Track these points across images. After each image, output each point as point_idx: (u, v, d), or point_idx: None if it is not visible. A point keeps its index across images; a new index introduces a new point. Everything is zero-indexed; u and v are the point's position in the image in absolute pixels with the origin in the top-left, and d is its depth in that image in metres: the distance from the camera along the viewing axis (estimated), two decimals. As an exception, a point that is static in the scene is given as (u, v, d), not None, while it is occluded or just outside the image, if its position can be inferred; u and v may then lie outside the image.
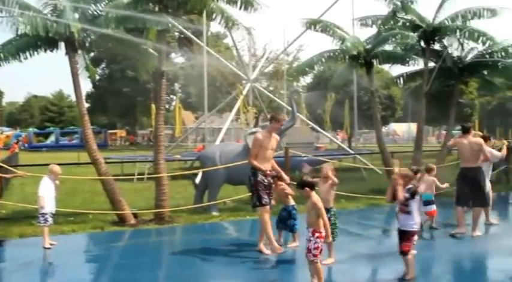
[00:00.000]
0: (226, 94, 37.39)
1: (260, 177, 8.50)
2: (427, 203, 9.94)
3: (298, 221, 8.80)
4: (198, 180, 13.86)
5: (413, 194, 6.97)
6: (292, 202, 9.06)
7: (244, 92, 25.40)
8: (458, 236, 9.73)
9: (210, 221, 11.68)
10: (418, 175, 8.39)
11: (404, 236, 7.00)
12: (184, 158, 22.78)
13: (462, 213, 9.94)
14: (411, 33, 15.11)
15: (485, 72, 17.78)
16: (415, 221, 7.01)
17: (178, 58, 63.78)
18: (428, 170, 10.39)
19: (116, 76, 63.98)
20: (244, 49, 37.47)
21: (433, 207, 10.14)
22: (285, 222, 8.96)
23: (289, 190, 8.99)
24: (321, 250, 6.63)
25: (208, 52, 23.12)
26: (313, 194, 6.84)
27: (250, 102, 26.53)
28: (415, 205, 7.04)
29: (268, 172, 8.63)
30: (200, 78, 26.38)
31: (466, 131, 10.30)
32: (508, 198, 16.30)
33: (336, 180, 7.87)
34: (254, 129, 12.71)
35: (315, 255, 6.55)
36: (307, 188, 6.78)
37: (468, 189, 9.92)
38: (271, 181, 8.69)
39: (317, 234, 6.57)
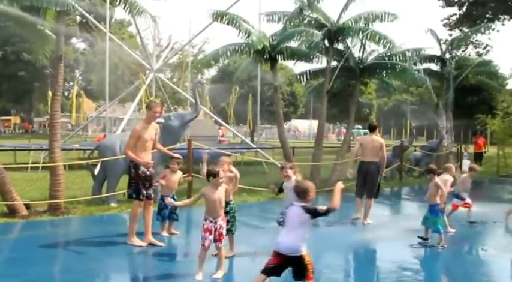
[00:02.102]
0: (128, 83, 36.51)
1: (142, 169, 8.31)
2: None
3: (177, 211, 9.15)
4: (96, 170, 13.40)
5: None
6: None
7: (147, 82, 24.91)
8: (353, 222, 10.74)
9: (108, 212, 11.33)
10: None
11: None
12: (83, 147, 22.00)
13: (360, 202, 11.05)
14: (316, 32, 15.41)
15: (384, 74, 18.52)
16: None
17: (79, 43, 61.70)
18: None
19: (10, 59, 60.61)
20: (148, 38, 36.83)
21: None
22: (161, 210, 9.09)
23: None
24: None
25: (110, 39, 22.42)
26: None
27: (153, 93, 26.04)
28: None
29: (150, 163, 8.48)
30: (102, 66, 25.60)
31: (372, 129, 11.27)
32: (400, 193, 17.08)
33: (232, 174, 7.82)
34: (156, 120, 12.44)
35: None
36: (210, 177, 6.80)
37: (363, 181, 10.97)
38: (153, 172, 8.57)
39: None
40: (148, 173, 8.41)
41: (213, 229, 6.81)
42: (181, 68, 39.23)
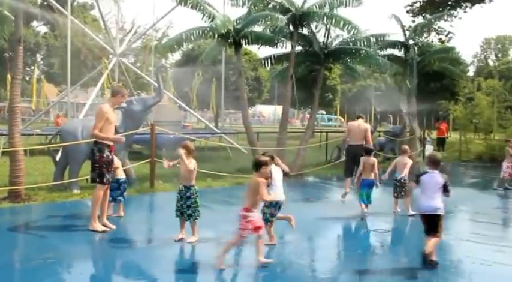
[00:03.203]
0: (91, 68, 35.93)
1: (106, 153, 8.22)
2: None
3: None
4: (58, 156, 13.15)
5: None
6: (122, 175, 9.36)
7: (110, 67, 24.53)
8: (343, 197, 11.47)
9: (70, 199, 11.12)
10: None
11: None
12: (45, 133, 21.56)
13: (349, 181, 11.96)
14: (281, 16, 15.33)
15: (348, 60, 18.58)
16: None
17: (41, 27, 60.30)
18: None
19: (-34, 41, 58.94)
20: (111, 22, 36.20)
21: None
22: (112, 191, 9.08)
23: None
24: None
25: (72, 22, 21.97)
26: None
27: (116, 77, 25.67)
28: None
29: (122, 139, 8.49)
30: (64, 50, 25.10)
31: (358, 117, 12.94)
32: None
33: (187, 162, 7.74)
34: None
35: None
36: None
37: (352, 162, 11.98)
38: (113, 156, 8.50)
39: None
40: (110, 157, 8.35)
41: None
42: (144, 52, 38.80)
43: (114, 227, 8.42)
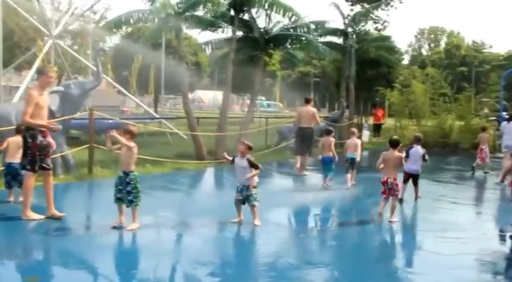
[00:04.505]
0: (25, 50, 34.67)
1: (39, 139, 7.87)
2: None
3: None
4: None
5: None
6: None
7: (45, 49, 23.75)
8: (296, 173, 13.57)
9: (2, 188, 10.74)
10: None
11: None
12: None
13: (298, 158, 13.78)
14: (222, 1, 15.24)
15: (289, 46, 18.69)
16: None
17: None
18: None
19: None
20: (47, 2, 35.04)
21: None
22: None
23: None
24: None
25: (4, 2, 21.13)
26: None
27: (52, 60, 24.89)
28: None
29: (57, 126, 8.26)
30: (-5, 31, 24.08)
31: (307, 101, 14.33)
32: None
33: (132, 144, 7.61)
34: (55, 88, 11.94)
35: None
36: None
37: (301, 142, 13.88)
38: (49, 141, 8.12)
39: None
40: (45, 142, 7.98)
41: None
42: (82, 35, 37.76)
43: (63, 214, 8.10)
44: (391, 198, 8.64)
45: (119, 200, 7.57)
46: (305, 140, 13.84)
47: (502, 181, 11.90)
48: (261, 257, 6.86)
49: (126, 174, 7.52)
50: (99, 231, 7.54)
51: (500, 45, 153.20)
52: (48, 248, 7.06)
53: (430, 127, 23.33)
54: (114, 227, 7.49)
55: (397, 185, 8.68)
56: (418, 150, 10.28)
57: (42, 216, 7.98)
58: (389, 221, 8.48)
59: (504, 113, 24.24)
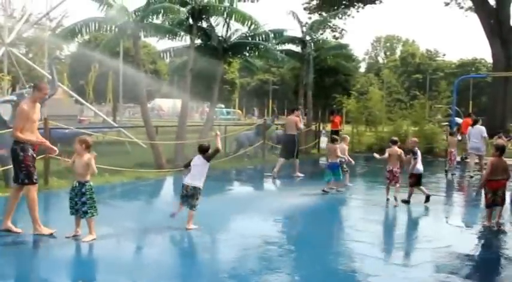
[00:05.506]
0: (-24, 58, 33.86)
1: (30, 151, 7.72)
2: None
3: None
4: None
5: None
6: None
7: (-2, 57, 23.23)
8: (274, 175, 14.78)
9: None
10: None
11: None
12: None
13: (280, 161, 15.25)
14: (182, 8, 15.16)
15: (247, 54, 18.77)
16: None
17: None
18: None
19: None
20: (-1, 9, 34.27)
21: None
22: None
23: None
24: None
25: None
26: None
27: (5, 69, 24.35)
28: None
29: (45, 142, 8.08)
30: None
31: (292, 110, 16.42)
32: (263, 170, 17.42)
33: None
34: (8, 98, 11.73)
35: None
36: None
37: (285, 147, 15.67)
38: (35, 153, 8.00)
39: None
40: (34, 154, 7.85)
41: None
42: (37, 42, 37.11)
43: (20, 231, 7.80)
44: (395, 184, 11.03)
45: (76, 212, 7.45)
46: (289, 145, 15.40)
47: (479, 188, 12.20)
48: (221, 266, 6.86)
49: (82, 184, 7.40)
50: (55, 243, 7.38)
51: (452, 54, 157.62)
52: (0, 262, 6.88)
53: (386, 133, 23.77)
54: (68, 238, 7.37)
55: (400, 173, 11.11)
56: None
57: (53, 231, 7.72)
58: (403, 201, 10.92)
59: (456, 118, 25.02)
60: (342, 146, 13.21)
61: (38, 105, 8.01)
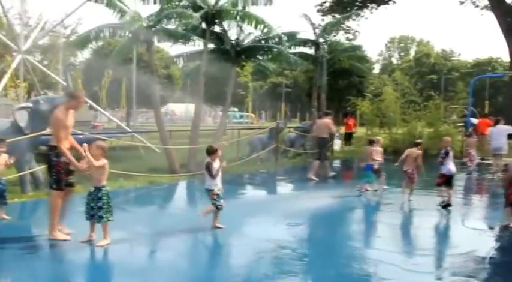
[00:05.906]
0: (-7, 66, 34.25)
1: (64, 158, 7.74)
2: None
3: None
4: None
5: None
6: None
7: (14, 65, 23.47)
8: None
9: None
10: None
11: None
12: None
13: (316, 163, 15.49)
14: (195, 14, 15.20)
15: (260, 57, 18.78)
16: None
17: None
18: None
19: None
20: (16, 17, 34.69)
21: None
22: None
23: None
24: None
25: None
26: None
27: (21, 76, 24.61)
28: None
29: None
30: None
31: (325, 114, 16.71)
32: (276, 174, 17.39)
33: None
34: (24, 105, 11.83)
35: None
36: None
37: (319, 148, 15.80)
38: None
39: None
40: (66, 160, 7.81)
41: None
42: (52, 50, 37.49)
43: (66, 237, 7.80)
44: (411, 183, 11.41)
45: (91, 217, 7.48)
46: (320, 147, 15.83)
47: None
48: (234, 270, 6.85)
49: (98, 189, 7.45)
50: (69, 248, 7.42)
51: (468, 53, 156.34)
52: (17, 265, 6.87)
53: (401, 134, 23.63)
54: (82, 242, 7.41)
55: (416, 173, 11.41)
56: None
57: (68, 237, 7.75)
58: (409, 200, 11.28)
59: (472, 119, 24.82)
60: (376, 149, 13.18)
61: (71, 111, 8.02)
